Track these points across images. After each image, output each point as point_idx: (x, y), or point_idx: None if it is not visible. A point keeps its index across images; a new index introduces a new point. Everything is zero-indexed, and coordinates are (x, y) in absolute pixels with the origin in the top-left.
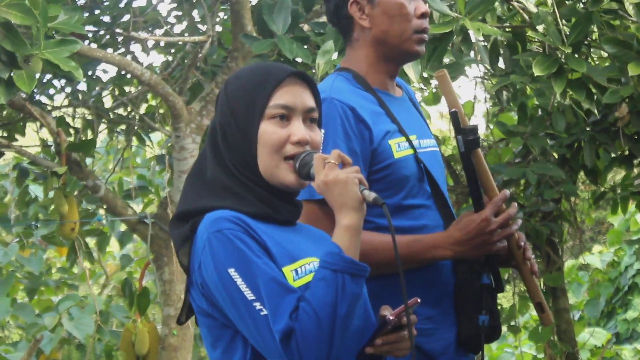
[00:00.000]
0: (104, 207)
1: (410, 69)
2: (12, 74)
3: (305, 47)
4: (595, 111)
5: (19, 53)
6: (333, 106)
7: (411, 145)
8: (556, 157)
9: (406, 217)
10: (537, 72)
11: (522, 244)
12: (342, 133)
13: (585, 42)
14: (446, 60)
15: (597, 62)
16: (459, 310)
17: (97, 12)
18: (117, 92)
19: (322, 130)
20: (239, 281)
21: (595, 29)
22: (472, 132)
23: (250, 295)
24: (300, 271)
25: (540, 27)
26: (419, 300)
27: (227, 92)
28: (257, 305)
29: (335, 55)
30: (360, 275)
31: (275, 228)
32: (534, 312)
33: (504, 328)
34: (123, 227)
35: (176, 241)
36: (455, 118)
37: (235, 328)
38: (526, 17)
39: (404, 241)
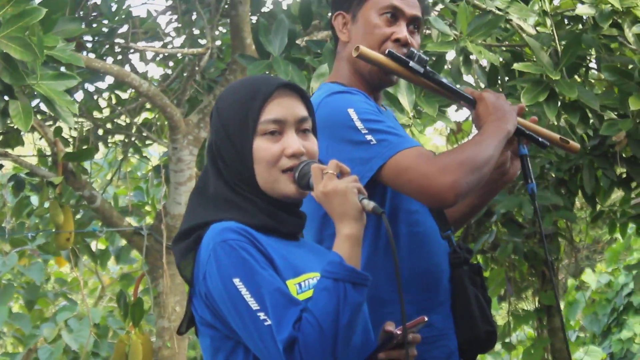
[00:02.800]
0: (100, 218)
1: (404, 97)
2: (8, 104)
3: (301, 66)
4: (591, 133)
5: (15, 85)
6: (351, 93)
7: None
8: (554, 178)
9: (403, 222)
10: (525, 101)
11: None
12: (371, 106)
13: (583, 64)
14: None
15: (594, 84)
16: (456, 315)
17: (94, 25)
18: (114, 101)
19: (352, 110)
20: (244, 291)
21: (593, 52)
22: (412, 53)
23: (254, 305)
24: (304, 285)
25: (535, 44)
26: (425, 319)
27: (219, 110)
28: (262, 315)
29: None
30: (361, 284)
31: (279, 241)
32: (528, 330)
33: (498, 345)
34: (123, 242)
35: (178, 254)
36: (395, 56)
37: (236, 339)
38: (524, 36)
39: (481, 138)
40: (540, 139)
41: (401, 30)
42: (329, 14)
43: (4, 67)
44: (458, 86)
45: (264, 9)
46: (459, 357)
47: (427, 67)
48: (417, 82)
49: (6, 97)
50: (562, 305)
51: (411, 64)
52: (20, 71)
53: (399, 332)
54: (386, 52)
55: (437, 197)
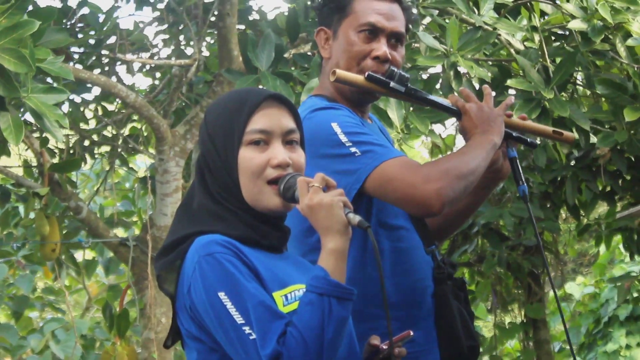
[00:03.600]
0: (86, 229)
1: (393, 112)
2: None
3: (288, 80)
4: (578, 147)
5: (9, 97)
6: (335, 108)
7: None
8: (538, 191)
9: (387, 238)
10: None
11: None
12: (355, 119)
13: (571, 81)
14: None
15: (582, 101)
16: (440, 331)
17: (81, 36)
18: (100, 112)
19: (336, 124)
20: (229, 305)
21: (580, 69)
22: (392, 73)
23: (239, 319)
24: (290, 297)
25: (524, 62)
26: (411, 334)
27: (207, 121)
28: (247, 330)
29: None
30: (346, 298)
31: (264, 254)
32: (515, 341)
33: (486, 358)
34: (111, 254)
35: (160, 267)
36: (375, 79)
37: (222, 352)
38: (512, 51)
39: (468, 150)
40: (528, 140)
41: (380, 47)
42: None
43: None
44: (442, 99)
45: (250, 18)
46: None
47: (409, 85)
48: (401, 99)
49: None
50: (546, 317)
51: (392, 84)
52: (14, 83)
53: (384, 347)
54: (365, 75)
55: (423, 206)
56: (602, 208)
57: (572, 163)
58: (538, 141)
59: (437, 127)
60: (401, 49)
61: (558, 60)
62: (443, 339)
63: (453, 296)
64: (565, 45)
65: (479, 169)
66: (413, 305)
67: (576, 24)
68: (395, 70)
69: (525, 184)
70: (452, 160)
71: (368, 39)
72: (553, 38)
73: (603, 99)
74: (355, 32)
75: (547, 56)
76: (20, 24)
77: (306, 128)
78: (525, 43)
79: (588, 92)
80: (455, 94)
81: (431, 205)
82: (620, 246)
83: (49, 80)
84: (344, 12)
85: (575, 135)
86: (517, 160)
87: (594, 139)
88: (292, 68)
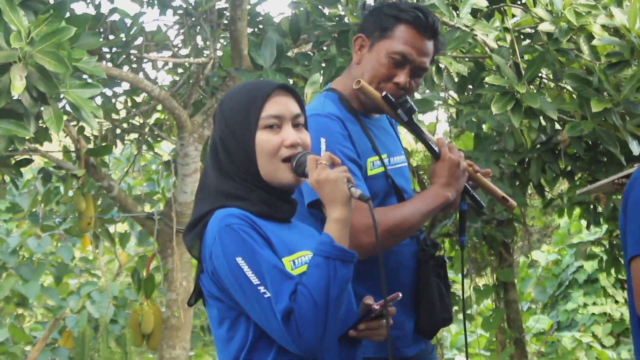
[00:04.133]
0: (117, 205)
1: None
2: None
3: (289, 76)
4: (543, 133)
5: (49, 93)
6: (330, 121)
7: (382, 164)
8: (508, 171)
9: None
10: (496, 110)
11: (470, 162)
12: (343, 139)
13: (539, 76)
14: (417, 95)
15: (547, 93)
16: (420, 304)
17: (111, 37)
18: (129, 104)
19: (324, 140)
20: (246, 268)
21: (547, 66)
22: (405, 102)
23: (255, 281)
24: (298, 262)
25: (499, 60)
26: (400, 295)
27: (223, 110)
28: (262, 289)
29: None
30: (349, 261)
31: (275, 225)
32: (488, 302)
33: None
34: (139, 227)
35: (189, 241)
36: (388, 101)
37: (239, 310)
38: (487, 49)
39: (416, 202)
40: (480, 202)
41: (403, 76)
42: (316, 32)
43: (39, 78)
44: (431, 137)
45: (259, 19)
46: (415, 337)
47: (412, 117)
48: (401, 124)
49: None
50: (516, 281)
51: (399, 111)
52: (53, 81)
53: (376, 307)
54: (382, 94)
55: (356, 249)
56: (563, 185)
57: (537, 147)
58: (484, 204)
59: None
60: (419, 80)
61: (527, 57)
62: (422, 314)
63: (434, 274)
64: (533, 44)
65: (418, 224)
66: (396, 280)
67: (545, 27)
68: (408, 100)
69: (466, 236)
70: (397, 218)
71: (395, 65)
72: (522, 38)
73: (565, 91)
74: (386, 55)
75: (518, 54)
76: (58, 30)
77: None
78: (499, 42)
79: (552, 85)
80: (443, 137)
81: (361, 253)
82: (581, 222)
83: (84, 77)
84: (385, 33)
85: (515, 204)
86: (466, 214)
87: (557, 126)
88: (295, 65)
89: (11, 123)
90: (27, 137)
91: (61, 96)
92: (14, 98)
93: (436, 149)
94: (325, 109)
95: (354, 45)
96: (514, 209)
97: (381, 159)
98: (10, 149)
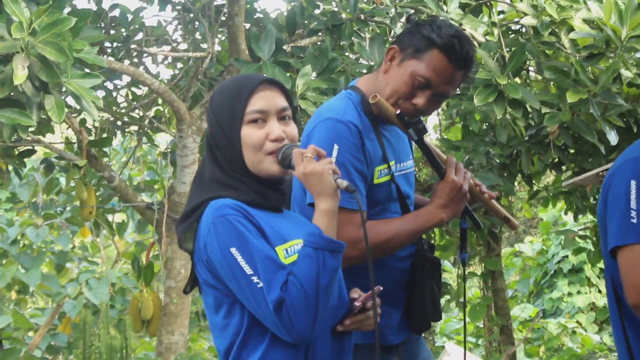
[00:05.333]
0: (118, 195)
1: None
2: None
3: (286, 68)
4: (532, 125)
5: (51, 82)
6: (348, 129)
7: (389, 171)
8: (498, 162)
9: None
10: (478, 102)
11: (477, 182)
12: (355, 149)
13: (524, 68)
14: None
15: (533, 85)
16: (412, 305)
17: (113, 32)
18: (130, 97)
19: (337, 147)
20: (239, 258)
21: (532, 57)
22: (418, 122)
23: (248, 271)
24: (290, 250)
25: (482, 53)
26: (381, 288)
27: (213, 104)
28: (255, 279)
29: (313, 75)
30: (337, 251)
31: (267, 214)
32: (475, 289)
33: (453, 304)
34: (139, 216)
35: (181, 230)
36: (401, 119)
37: (234, 297)
38: (475, 43)
39: (408, 219)
40: (478, 222)
41: (422, 99)
42: (311, 24)
43: (40, 67)
44: (441, 155)
45: (255, 17)
46: (401, 326)
47: (423, 138)
48: (411, 140)
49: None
50: (502, 269)
51: (410, 130)
52: (55, 70)
53: (358, 304)
54: (397, 112)
55: (342, 262)
56: (549, 178)
57: (527, 139)
58: (482, 225)
59: None
60: (439, 105)
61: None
62: (414, 315)
63: (429, 276)
64: (520, 37)
65: (404, 244)
66: (390, 279)
67: (528, 20)
68: (421, 121)
69: (467, 253)
70: (387, 235)
71: (418, 87)
72: (510, 32)
73: (552, 84)
74: (411, 75)
75: (504, 47)
76: (58, 20)
77: (316, 136)
78: (487, 36)
79: (539, 77)
80: (453, 158)
81: (348, 262)
82: (562, 213)
83: (86, 70)
84: (417, 53)
85: (517, 224)
86: (466, 232)
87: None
88: (290, 58)
89: (15, 112)
90: (30, 127)
91: (63, 88)
92: (17, 88)
93: (443, 166)
94: (345, 116)
95: (386, 54)
96: (516, 229)
97: (389, 166)
98: (13, 139)
